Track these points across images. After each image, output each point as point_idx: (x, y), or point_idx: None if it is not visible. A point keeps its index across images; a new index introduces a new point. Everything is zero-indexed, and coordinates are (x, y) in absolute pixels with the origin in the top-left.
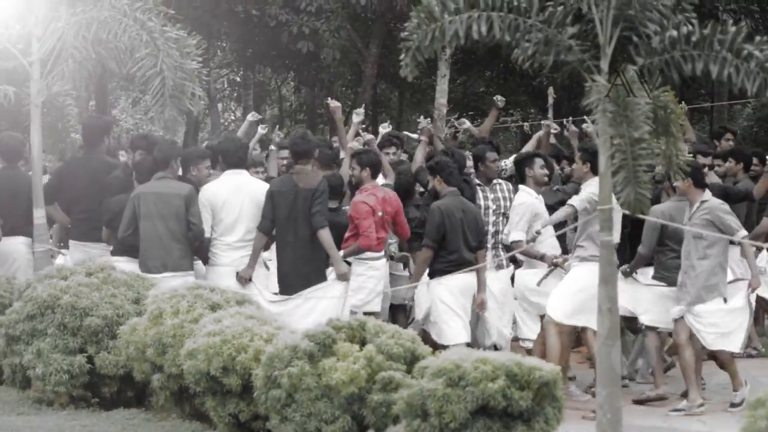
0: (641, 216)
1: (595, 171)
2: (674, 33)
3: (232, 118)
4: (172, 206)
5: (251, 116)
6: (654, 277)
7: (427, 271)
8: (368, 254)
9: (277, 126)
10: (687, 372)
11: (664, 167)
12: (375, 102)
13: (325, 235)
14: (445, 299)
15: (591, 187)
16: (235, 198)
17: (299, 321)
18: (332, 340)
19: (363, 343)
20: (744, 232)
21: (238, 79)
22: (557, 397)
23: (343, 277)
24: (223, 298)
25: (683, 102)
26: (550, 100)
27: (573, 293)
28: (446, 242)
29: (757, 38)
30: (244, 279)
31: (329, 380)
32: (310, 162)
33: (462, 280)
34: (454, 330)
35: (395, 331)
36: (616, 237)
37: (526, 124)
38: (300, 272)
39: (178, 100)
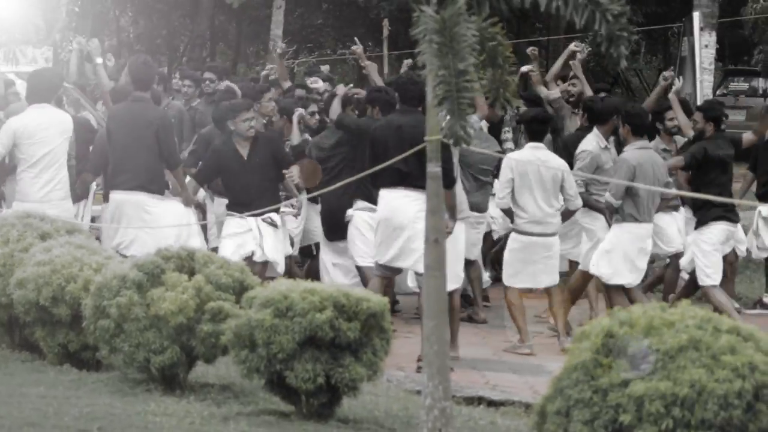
0: None
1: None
2: None
3: (71, 48)
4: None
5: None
6: None
7: None
8: None
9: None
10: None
11: (491, 99)
12: (213, 34)
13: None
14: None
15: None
16: (41, 132)
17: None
18: (161, 270)
19: (192, 273)
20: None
21: (77, 9)
22: (385, 328)
23: (188, 203)
24: (53, 228)
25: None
26: (385, 32)
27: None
28: None
29: None
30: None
31: (158, 310)
32: (149, 90)
33: None
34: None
35: (224, 261)
36: None
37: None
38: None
39: None
